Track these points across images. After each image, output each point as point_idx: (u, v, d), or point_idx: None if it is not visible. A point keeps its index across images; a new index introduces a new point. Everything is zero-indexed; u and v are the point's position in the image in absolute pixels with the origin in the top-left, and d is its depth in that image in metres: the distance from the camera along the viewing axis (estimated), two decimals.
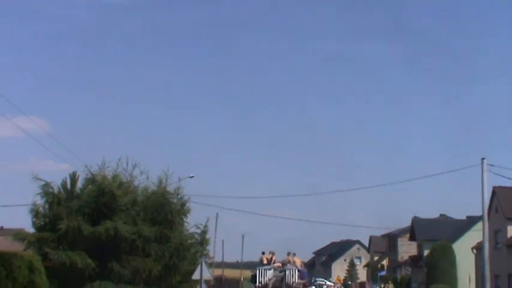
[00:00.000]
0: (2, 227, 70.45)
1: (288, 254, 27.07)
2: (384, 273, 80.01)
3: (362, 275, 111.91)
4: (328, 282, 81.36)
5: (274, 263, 26.69)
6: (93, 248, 27.25)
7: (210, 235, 34.46)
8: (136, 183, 30.98)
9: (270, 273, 24.03)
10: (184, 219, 34.92)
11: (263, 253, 28.61)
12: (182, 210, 33.05)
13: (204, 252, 35.03)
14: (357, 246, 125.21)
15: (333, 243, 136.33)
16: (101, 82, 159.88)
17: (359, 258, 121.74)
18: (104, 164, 29.30)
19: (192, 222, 33.75)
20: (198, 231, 34.16)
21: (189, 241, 32.11)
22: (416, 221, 75.38)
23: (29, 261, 16.13)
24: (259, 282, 23.14)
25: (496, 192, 49.16)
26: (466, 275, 61.28)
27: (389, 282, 70.13)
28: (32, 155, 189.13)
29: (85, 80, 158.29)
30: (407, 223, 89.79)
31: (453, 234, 68.32)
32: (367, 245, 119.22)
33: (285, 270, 23.37)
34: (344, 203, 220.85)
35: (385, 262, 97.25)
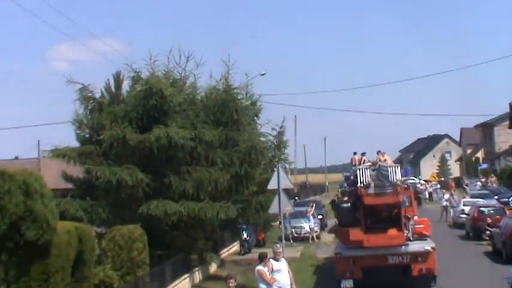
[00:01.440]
0: (16, 157, 66.72)
1: (378, 152, 24.96)
2: (485, 166, 73.21)
3: (455, 170, 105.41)
4: (419, 181, 75.21)
5: (364, 163, 24.52)
6: (144, 161, 22.29)
7: (288, 137, 29.27)
8: (191, 79, 25.63)
9: (370, 172, 21.39)
10: (257, 120, 30.34)
11: (355, 153, 26.34)
12: (253, 109, 28.02)
13: (283, 157, 30.43)
14: (446, 140, 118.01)
15: (419, 140, 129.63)
16: None
17: (449, 152, 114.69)
18: (152, 59, 23.89)
19: (265, 124, 29.03)
20: (274, 133, 29.35)
21: (263, 145, 26.87)
22: None
23: (23, 181, 11.00)
24: (360, 182, 20.63)
25: None
26: None
27: (492, 175, 63.50)
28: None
29: None
30: (503, 110, 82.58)
31: None
32: (456, 139, 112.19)
33: (387, 168, 20.96)
34: (429, 93, 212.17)
35: (480, 154, 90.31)
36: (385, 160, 23.80)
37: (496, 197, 44.80)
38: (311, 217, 34.64)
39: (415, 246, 20.31)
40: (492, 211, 31.99)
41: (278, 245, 16.40)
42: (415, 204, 22.82)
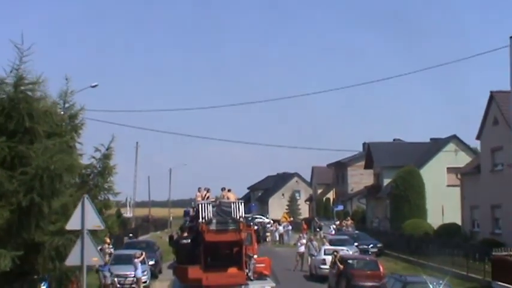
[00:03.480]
0: None
1: (223, 189, 24.92)
2: (340, 207, 68.91)
3: (304, 210, 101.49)
4: (265, 219, 69.81)
5: (208, 199, 24.17)
6: None
7: (117, 162, 23.12)
8: None
9: (211, 208, 21.06)
10: (76, 138, 23.43)
11: (199, 189, 25.52)
12: (73, 125, 20.92)
13: (106, 186, 23.54)
14: (296, 178, 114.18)
15: (269, 177, 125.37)
16: None
17: (298, 192, 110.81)
18: None
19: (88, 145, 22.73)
20: (97, 155, 22.64)
21: (76, 169, 19.66)
22: (372, 146, 64.33)
23: None
24: (202, 218, 20.38)
25: (494, 97, 37.95)
26: (437, 206, 51.08)
27: (348, 218, 58.93)
28: None
29: None
30: (356, 149, 79.61)
31: (418, 159, 57.59)
32: (306, 177, 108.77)
33: (231, 204, 20.79)
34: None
35: (331, 195, 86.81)
36: (228, 197, 23.00)
37: (356, 243, 39.74)
38: (139, 264, 27.20)
39: (255, 286, 20.11)
40: (362, 264, 26.09)
41: None
42: (256, 243, 22.95)
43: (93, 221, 15.56)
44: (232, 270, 20.05)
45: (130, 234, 48.06)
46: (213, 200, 23.58)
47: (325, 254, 31.23)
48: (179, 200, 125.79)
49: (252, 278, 20.39)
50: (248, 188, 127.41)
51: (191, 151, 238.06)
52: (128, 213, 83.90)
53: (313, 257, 33.53)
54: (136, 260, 27.05)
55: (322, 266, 30.52)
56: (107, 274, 27.02)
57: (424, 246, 37.53)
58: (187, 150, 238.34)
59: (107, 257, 27.46)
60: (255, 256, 21.41)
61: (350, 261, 25.88)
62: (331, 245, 35.14)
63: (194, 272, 19.79)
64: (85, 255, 15.17)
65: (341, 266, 25.89)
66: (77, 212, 15.39)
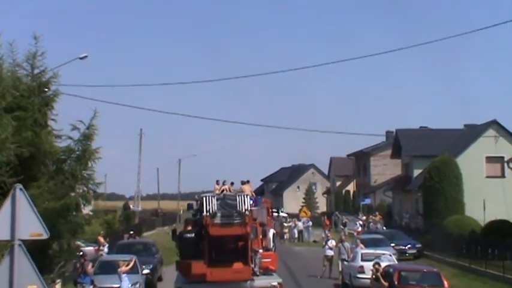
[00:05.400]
0: None
1: (242, 182, 24.16)
2: (368, 201, 62.74)
3: (321, 204, 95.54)
4: (282, 214, 63.88)
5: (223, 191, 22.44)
6: None
7: (100, 143, 18.80)
8: None
9: (215, 201, 19.45)
10: (50, 113, 19.40)
11: (217, 182, 24.33)
12: (43, 97, 18.20)
13: (86, 175, 19.33)
14: (312, 170, 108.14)
15: (282, 169, 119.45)
16: None
17: (314, 184, 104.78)
18: None
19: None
20: (75, 135, 19.02)
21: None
22: (400, 133, 58.20)
23: None
24: (206, 211, 19.05)
25: None
26: (476, 200, 45.02)
27: (376, 214, 52.79)
28: None
29: None
30: (379, 139, 73.49)
31: (452, 148, 51.36)
32: (323, 169, 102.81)
33: (235, 197, 19.64)
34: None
35: (350, 187, 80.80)
36: (242, 190, 22.95)
37: (392, 244, 33.85)
38: (123, 276, 21.02)
39: (261, 282, 19.57)
40: (419, 278, 19.92)
41: None
42: (263, 236, 21.74)
43: (31, 227, 9.70)
44: (238, 265, 19.33)
45: (131, 232, 42.13)
46: (219, 192, 22.45)
47: (362, 259, 25.27)
48: (190, 193, 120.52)
49: (258, 273, 19.79)
50: (261, 180, 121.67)
51: (202, 140, 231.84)
52: (136, 206, 78.17)
53: (346, 262, 27.57)
54: (120, 270, 20.87)
55: (360, 276, 24.53)
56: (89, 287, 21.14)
57: (473, 247, 31.61)
58: (199, 140, 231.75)
59: (90, 266, 21.50)
60: (261, 251, 20.51)
61: (403, 274, 19.76)
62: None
63: (198, 267, 19.05)
64: (15, 281, 9.34)
65: (385, 284, 19.98)
66: (3, 211, 9.53)
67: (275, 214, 58.84)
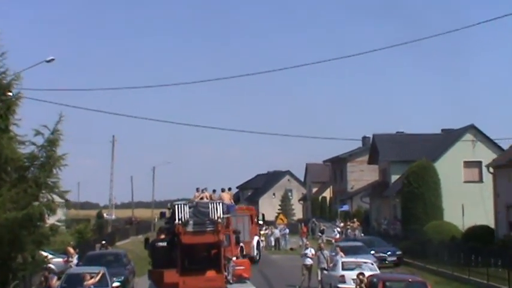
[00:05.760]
0: None
1: (222, 190, 24.61)
2: (346, 207, 61.97)
3: (297, 211, 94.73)
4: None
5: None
6: None
7: (74, 151, 18.01)
8: None
9: (188, 209, 19.53)
10: (12, 118, 19.11)
11: (197, 189, 23.75)
12: (4, 100, 17.81)
13: (50, 182, 18.74)
14: (287, 177, 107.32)
15: (259, 176, 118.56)
16: None
17: (290, 191, 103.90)
18: None
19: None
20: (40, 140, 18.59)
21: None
22: (377, 138, 57.57)
23: None
24: (178, 219, 19.29)
25: None
26: (454, 205, 44.43)
27: (354, 220, 51.98)
28: None
29: None
30: (355, 144, 72.76)
31: (430, 153, 50.79)
32: (299, 175, 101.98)
33: (209, 204, 19.81)
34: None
35: (327, 194, 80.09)
36: (221, 197, 22.56)
37: (372, 251, 33.01)
38: None
39: None
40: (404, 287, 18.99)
41: None
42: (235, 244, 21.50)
43: None
44: (211, 273, 19.37)
45: (103, 241, 40.83)
46: (199, 199, 22.17)
47: (343, 268, 24.29)
48: (165, 201, 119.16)
49: (231, 281, 19.72)
50: (237, 187, 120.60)
51: (178, 148, 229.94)
52: (110, 215, 76.68)
53: (325, 271, 26.59)
54: (86, 284, 19.49)
55: (341, 285, 23.52)
56: None
57: (456, 254, 30.87)
58: (175, 147, 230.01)
59: (55, 280, 20.19)
60: (234, 258, 20.56)
61: (388, 284, 18.79)
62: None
63: (170, 276, 18.98)
64: None
65: None
66: None
67: (260, 222, 58.12)
